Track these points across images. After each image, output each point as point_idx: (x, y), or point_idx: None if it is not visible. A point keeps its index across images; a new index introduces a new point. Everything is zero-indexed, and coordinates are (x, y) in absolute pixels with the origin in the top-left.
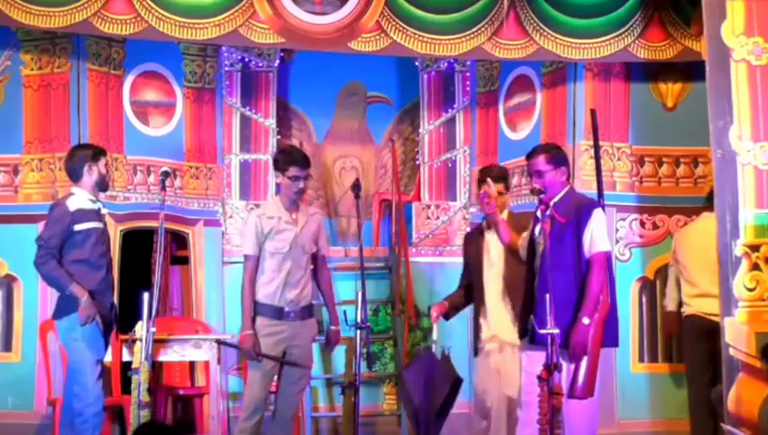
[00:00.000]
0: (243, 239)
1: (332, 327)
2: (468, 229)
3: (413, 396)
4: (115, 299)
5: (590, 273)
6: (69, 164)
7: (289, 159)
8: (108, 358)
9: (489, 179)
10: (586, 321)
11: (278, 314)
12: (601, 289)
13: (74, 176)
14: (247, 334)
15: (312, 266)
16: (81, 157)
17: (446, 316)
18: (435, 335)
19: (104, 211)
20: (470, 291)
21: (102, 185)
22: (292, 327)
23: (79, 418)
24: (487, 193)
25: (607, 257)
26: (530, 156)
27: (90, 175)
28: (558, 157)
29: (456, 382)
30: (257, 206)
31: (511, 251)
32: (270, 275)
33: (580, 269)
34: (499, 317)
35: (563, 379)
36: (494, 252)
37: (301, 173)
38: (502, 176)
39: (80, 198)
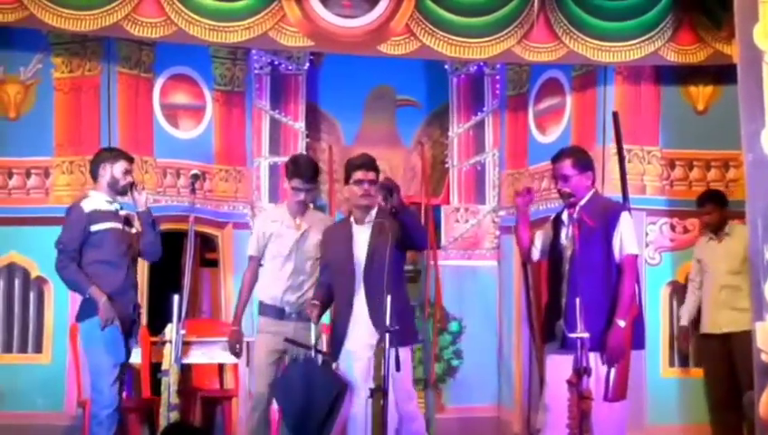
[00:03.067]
0: (250, 241)
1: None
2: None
3: (293, 404)
4: (139, 299)
5: (623, 276)
6: (90, 164)
7: (294, 170)
8: (135, 359)
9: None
10: (622, 323)
11: (279, 314)
12: (634, 292)
13: (93, 176)
14: (234, 329)
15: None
16: (99, 158)
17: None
18: (314, 337)
19: (123, 212)
20: (331, 290)
21: (115, 187)
22: (292, 327)
23: (93, 420)
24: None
25: (637, 261)
26: (555, 159)
27: (104, 175)
28: (584, 161)
29: (343, 388)
30: None
31: (381, 246)
32: (271, 277)
33: (609, 273)
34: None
35: (593, 382)
36: (362, 250)
37: (302, 186)
38: (375, 165)
39: (96, 199)
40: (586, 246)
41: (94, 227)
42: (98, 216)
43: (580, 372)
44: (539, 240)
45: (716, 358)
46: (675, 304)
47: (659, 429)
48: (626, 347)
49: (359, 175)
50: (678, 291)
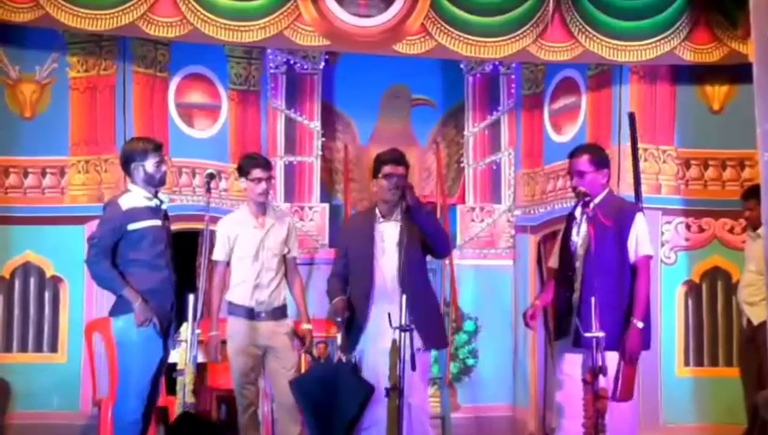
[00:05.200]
0: (215, 246)
1: (305, 326)
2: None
3: (316, 405)
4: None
5: (639, 277)
6: (120, 161)
7: (251, 162)
8: (174, 359)
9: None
10: (640, 325)
11: (249, 314)
12: (650, 293)
13: (126, 173)
14: (211, 335)
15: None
16: (128, 154)
17: None
18: (340, 340)
19: (164, 207)
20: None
21: (152, 183)
22: (265, 327)
23: (117, 422)
24: None
25: (650, 261)
26: (573, 155)
27: (137, 173)
28: (600, 158)
29: (370, 392)
30: (301, 208)
31: (412, 245)
32: (240, 278)
33: (622, 273)
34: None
35: (609, 382)
36: (389, 242)
37: (263, 175)
38: (405, 160)
39: (134, 196)
40: (601, 246)
41: (132, 226)
42: (136, 214)
43: (596, 371)
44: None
45: (747, 356)
46: (690, 303)
47: (674, 428)
48: (642, 348)
49: (388, 169)
50: (694, 290)
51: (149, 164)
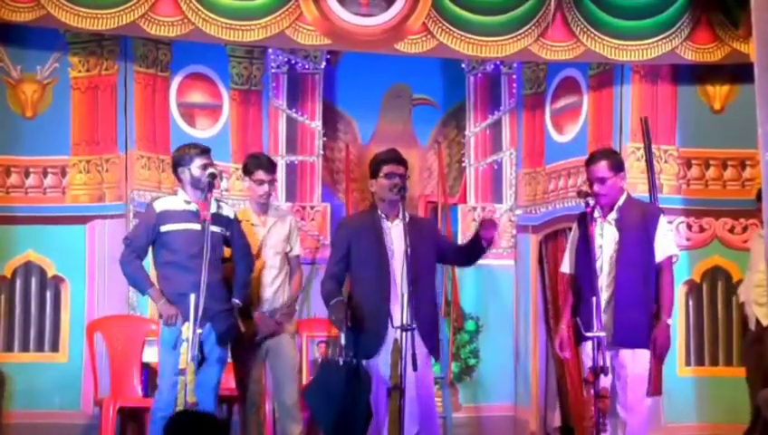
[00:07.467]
0: None
1: (258, 312)
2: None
3: (332, 408)
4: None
5: (665, 276)
6: (171, 166)
7: (255, 163)
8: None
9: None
10: (670, 321)
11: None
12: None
13: (176, 178)
14: (259, 314)
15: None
16: (176, 159)
17: None
18: (343, 340)
19: (212, 211)
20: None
21: (199, 185)
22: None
23: (151, 417)
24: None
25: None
26: (590, 162)
27: (184, 177)
28: (618, 162)
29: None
30: (303, 208)
31: (419, 245)
32: None
33: (647, 272)
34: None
35: (630, 379)
36: (396, 244)
37: (265, 177)
38: (404, 160)
39: (172, 199)
40: (627, 247)
41: (164, 228)
42: (169, 216)
43: (597, 371)
44: (571, 243)
45: (753, 356)
46: (691, 302)
47: (676, 427)
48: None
49: (388, 169)
50: (694, 290)
51: (195, 167)
